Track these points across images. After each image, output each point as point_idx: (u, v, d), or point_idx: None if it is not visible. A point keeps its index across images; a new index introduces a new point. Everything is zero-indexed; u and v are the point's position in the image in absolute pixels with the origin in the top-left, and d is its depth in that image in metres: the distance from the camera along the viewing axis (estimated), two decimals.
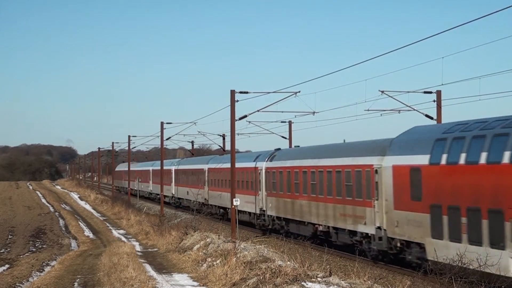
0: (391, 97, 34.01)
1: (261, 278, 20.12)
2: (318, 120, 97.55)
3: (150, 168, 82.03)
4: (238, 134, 47.41)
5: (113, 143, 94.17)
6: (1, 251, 40.36)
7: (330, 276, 19.81)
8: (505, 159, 20.30)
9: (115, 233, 48.46)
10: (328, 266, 23.28)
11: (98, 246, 41.04)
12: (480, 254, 20.70)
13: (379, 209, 27.94)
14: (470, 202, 21.71)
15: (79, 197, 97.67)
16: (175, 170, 68.72)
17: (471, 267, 20.09)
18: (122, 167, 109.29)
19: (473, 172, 21.65)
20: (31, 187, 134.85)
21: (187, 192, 61.16)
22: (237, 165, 41.03)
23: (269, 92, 35.93)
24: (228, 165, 43.58)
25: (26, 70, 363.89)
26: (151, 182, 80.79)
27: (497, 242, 20.46)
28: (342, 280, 19.13)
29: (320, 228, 33.92)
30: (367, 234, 29.16)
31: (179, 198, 67.94)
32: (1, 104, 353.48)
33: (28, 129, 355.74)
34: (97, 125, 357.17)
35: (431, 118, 34.58)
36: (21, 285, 25.98)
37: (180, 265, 27.78)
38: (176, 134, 64.18)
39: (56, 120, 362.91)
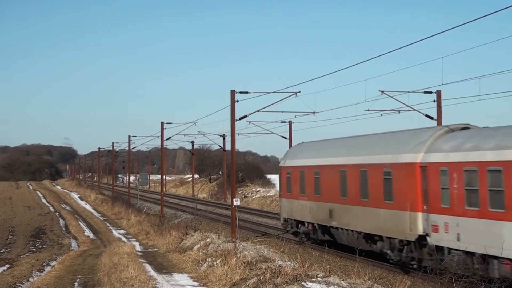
0: (391, 97, 34.00)
1: (261, 278, 20.11)
2: (318, 120, 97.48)
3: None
4: (238, 134, 47.51)
5: (113, 143, 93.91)
6: (1, 251, 40.35)
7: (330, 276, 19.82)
8: None
9: (115, 233, 48.45)
10: (328, 266, 23.30)
11: (98, 246, 41.02)
12: None
13: None
14: None
15: (79, 197, 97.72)
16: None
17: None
18: (322, 152, 34.00)
19: None
20: (31, 187, 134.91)
21: None
22: None
23: (269, 92, 35.88)
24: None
25: (26, 70, 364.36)
26: None
27: None
28: (342, 280, 19.12)
29: None
30: None
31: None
32: (1, 104, 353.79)
33: (28, 129, 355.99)
34: (97, 125, 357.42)
35: (431, 118, 34.55)
36: (21, 285, 25.96)
37: (180, 265, 27.78)
38: (176, 134, 64.21)
39: (56, 120, 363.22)
